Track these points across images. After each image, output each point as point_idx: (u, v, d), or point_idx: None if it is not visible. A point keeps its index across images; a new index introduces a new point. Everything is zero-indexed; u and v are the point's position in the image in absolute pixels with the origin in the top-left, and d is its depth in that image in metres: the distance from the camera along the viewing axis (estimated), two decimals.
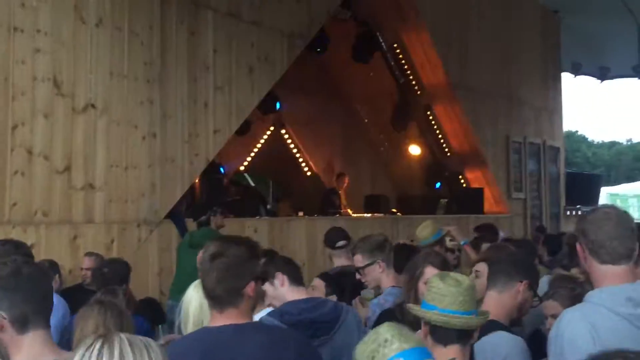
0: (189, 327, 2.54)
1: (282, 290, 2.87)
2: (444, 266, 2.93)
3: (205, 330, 2.16)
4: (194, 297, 2.59)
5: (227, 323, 2.10)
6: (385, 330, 1.67)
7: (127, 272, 4.23)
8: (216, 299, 2.12)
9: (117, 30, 5.89)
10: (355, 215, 9.32)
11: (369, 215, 9.38)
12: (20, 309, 1.86)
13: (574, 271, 3.57)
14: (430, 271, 2.87)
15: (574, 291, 2.82)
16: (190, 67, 6.48)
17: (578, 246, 2.16)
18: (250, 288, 2.12)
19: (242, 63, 6.96)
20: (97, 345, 1.35)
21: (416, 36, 9.86)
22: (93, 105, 5.68)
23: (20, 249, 3.44)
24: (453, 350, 2.04)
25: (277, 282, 2.87)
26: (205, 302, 2.50)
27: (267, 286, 2.84)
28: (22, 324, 1.86)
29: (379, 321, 2.94)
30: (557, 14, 12.43)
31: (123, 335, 1.41)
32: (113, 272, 4.12)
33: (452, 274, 2.18)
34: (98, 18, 5.74)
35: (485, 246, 4.87)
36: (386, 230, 8.66)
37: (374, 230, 8.63)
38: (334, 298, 3.57)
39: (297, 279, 2.91)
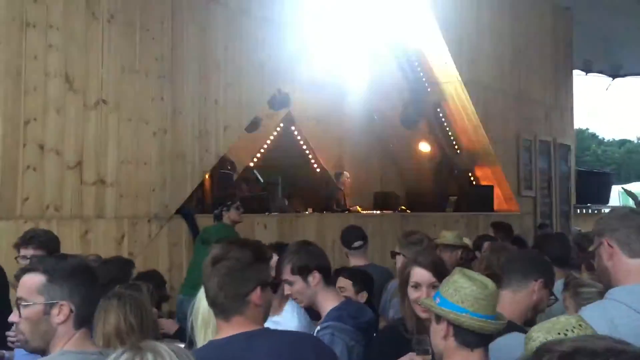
0: (198, 325, 2.49)
1: (313, 290, 2.73)
2: (435, 266, 2.71)
3: (212, 345, 1.98)
4: (203, 296, 2.49)
5: (235, 332, 1.93)
6: (574, 316, 1.79)
7: (120, 272, 3.77)
8: (219, 307, 1.97)
9: (128, 26, 5.90)
10: (364, 212, 9.31)
11: (378, 212, 9.37)
12: None
13: (585, 275, 3.52)
14: (418, 271, 2.69)
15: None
16: (201, 64, 6.49)
17: (604, 242, 2.13)
18: (256, 295, 1.95)
19: (252, 59, 6.96)
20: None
21: (426, 32, 9.80)
22: (104, 101, 5.70)
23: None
24: (479, 353, 2.00)
25: (310, 279, 2.73)
26: None
27: (298, 282, 2.72)
28: None
29: (383, 335, 2.84)
30: (568, 10, 12.33)
31: (160, 347, 1.41)
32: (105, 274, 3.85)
33: (473, 273, 2.11)
34: (110, 14, 5.76)
35: (486, 245, 4.80)
36: (395, 227, 8.65)
37: (383, 227, 8.68)
38: (364, 295, 3.57)
39: (330, 280, 2.84)
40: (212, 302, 1.99)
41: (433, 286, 2.57)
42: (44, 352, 1.96)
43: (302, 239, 3.18)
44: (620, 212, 2.20)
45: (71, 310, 1.93)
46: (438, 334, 2.04)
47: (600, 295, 2.60)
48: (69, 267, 1.98)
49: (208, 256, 2.01)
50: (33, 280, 1.96)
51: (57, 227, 5.30)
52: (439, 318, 2.05)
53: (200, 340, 2.49)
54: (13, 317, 1.97)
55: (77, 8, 5.55)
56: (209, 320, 2.44)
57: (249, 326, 1.94)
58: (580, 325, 1.74)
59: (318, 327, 2.69)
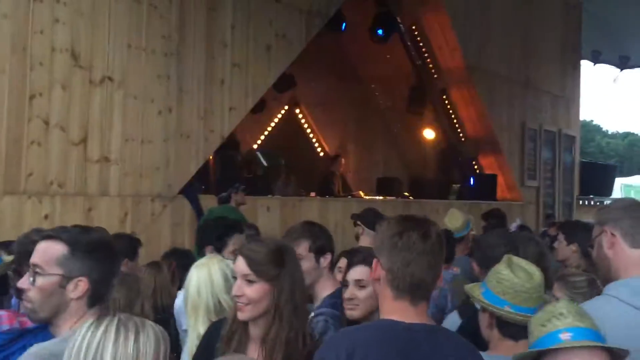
0: (189, 308, 2.47)
1: (320, 272, 2.68)
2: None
3: (396, 325, 1.74)
4: (193, 277, 2.52)
5: (419, 321, 1.74)
6: (564, 305, 1.68)
7: (129, 248, 3.85)
8: (419, 289, 1.73)
9: (135, 2, 5.84)
10: (367, 197, 9.30)
11: (381, 197, 9.36)
12: None
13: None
14: None
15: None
16: (208, 43, 6.43)
17: (606, 231, 2.11)
18: (440, 280, 1.78)
19: (259, 41, 6.91)
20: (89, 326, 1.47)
21: (435, 18, 9.73)
22: (110, 78, 5.66)
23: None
24: (524, 344, 1.94)
25: (322, 260, 2.69)
26: (204, 286, 2.44)
27: (311, 260, 2.64)
28: None
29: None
30: (578, 0, 12.22)
31: (120, 316, 1.50)
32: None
33: (520, 261, 2.02)
34: None
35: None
36: (397, 213, 8.64)
37: (385, 213, 8.61)
38: None
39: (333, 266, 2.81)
40: (412, 284, 1.72)
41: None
42: (49, 323, 1.89)
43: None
44: (624, 203, 2.19)
45: (88, 287, 1.85)
46: (483, 323, 2.05)
47: (591, 283, 2.61)
48: (92, 241, 1.89)
49: (409, 232, 1.72)
50: (53, 249, 1.85)
51: (60, 203, 5.30)
52: (483, 307, 2.04)
53: (190, 327, 2.45)
54: (23, 283, 1.85)
55: None
56: (199, 306, 2.43)
57: (428, 318, 1.77)
58: (561, 314, 1.65)
59: (312, 313, 2.59)
